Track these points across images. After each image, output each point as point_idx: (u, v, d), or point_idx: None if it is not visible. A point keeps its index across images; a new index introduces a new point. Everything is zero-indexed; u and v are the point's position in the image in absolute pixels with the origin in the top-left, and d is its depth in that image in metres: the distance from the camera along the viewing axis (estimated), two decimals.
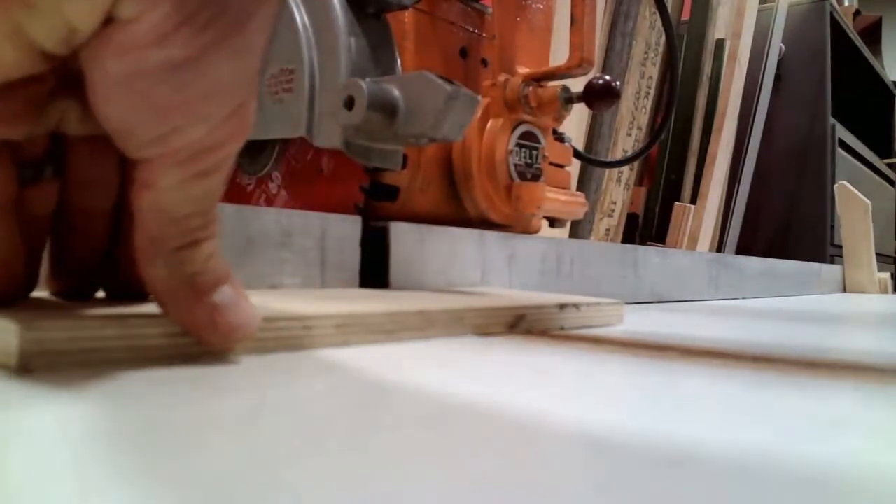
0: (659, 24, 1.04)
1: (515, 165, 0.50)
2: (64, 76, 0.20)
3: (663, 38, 1.05)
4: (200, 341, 0.21)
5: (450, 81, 0.36)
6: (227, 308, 0.21)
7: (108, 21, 0.18)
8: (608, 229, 1.04)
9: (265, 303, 0.27)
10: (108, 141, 0.22)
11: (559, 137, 0.56)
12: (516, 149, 0.50)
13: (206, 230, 0.21)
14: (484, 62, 0.54)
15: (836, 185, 1.13)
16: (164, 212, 0.20)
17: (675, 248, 1.11)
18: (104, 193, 0.23)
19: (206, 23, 0.18)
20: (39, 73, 0.19)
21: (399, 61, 0.44)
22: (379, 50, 0.43)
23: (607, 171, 1.00)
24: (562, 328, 0.38)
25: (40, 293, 0.24)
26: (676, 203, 1.14)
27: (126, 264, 0.23)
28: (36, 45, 0.18)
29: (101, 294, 0.25)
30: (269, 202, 0.51)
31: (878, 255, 1.14)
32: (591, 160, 0.83)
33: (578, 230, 0.91)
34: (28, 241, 0.22)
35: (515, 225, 0.54)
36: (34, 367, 0.19)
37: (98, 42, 0.18)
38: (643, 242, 1.13)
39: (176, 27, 0.18)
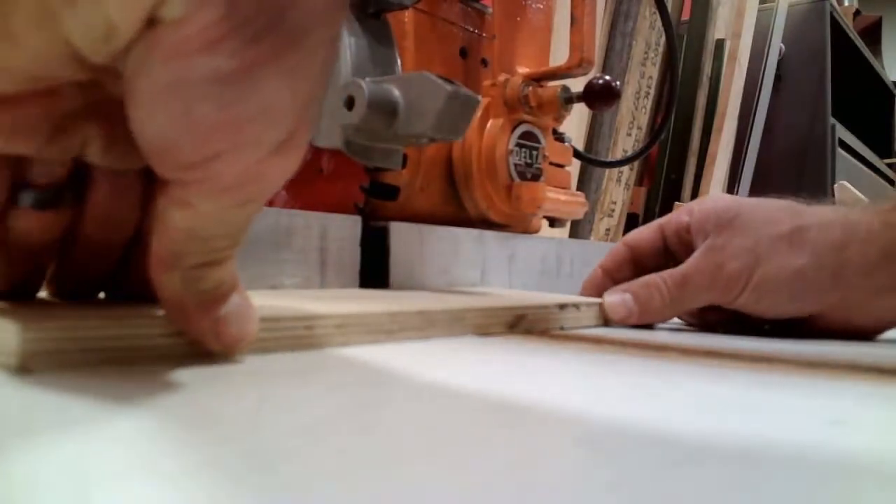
0: (659, 24, 1.04)
1: (515, 165, 0.50)
2: (92, 101, 0.19)
3: (663, 38, 1.05)
4: (202, 347, 0.21)
5: (450, 81, 0.36)
6: (233, 319, 0.21)
7: (154, 23, 0.17)
8: (608, 229, 1.04)
9: (266, 303, 0.27)
10: (133, 178, 0.21)
11: (559, 137, 0.56)
12: (516, 149, 0.50)
13: (229, 250, 0.20)
14: (484, 62, 0.54)
15: (835, 185, 1.13)
16: (192, 231, 0.19)
17: None
18: (122, 229, 0.22)
19: (257, 34, 0.17)
20: (65, 85, 0.18)
21: (399, 61, 0.44)
22: (379, 50, 0.43)
23: (607, 171, 1.00)
24: (562, 328, 0.38)
25: (40, 293, 0.24)
26: (676, 203, 1.14)
27: (138, 274, 0.22)
28: (69, 41, 0.17)
29: (101, 294, 0.25)
30: (269, 202, 0.51)
31: None
32: (591, 160, 0.83)
33: (578, 230, 0.91)
34: (36, 259, 0.22)
35: (515, 225, 0.54)
36: (34, 367, 0.19)
37: (144, 47, 0.17)
38: None
39: (224, 35, 0.16)
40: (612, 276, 0.43)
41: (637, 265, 0.43)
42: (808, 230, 0.39)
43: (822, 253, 0.38)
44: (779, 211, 0.40)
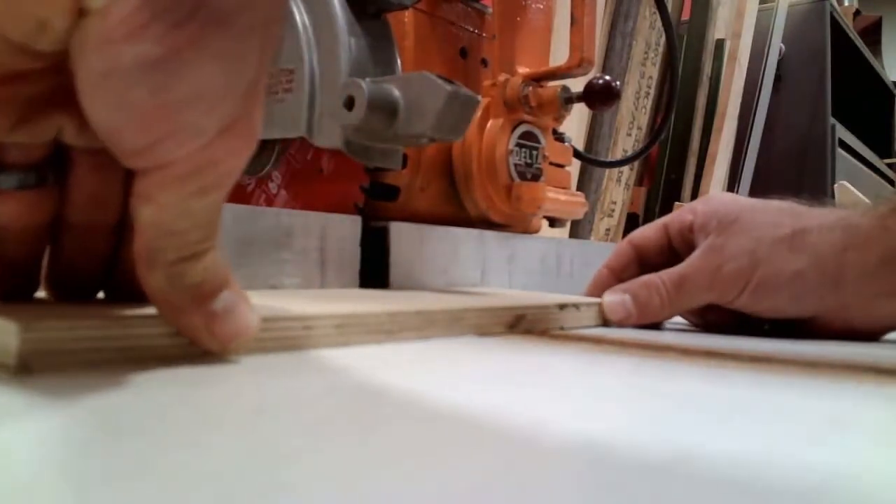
0: (659, 24, 1.04)
1: (515, 165, 0.50)
2: (58, 84, 0.19)
3: (663, 38, 1.05)
4: (197, 346, 0.21)
5: (450, 81, 0.36)
6: (225, 315, 0.21)
7: (84, 14, 0.17)
8: (608, 229, 1.04)
9: (265, 303, 0.27)
10: (112, 156, 0.22)
11: (559, 137, 0.56)
12: (516, 149, 0.50)
13: (205, 243, 0.20)
14: (484, 62, 0.54)
15: (836, 185, 1.13)
16: (162, 225, 0.20)
17: None
18: (108, 209, 0.23)
19: (179, 21, 0.17)
20: (24, 72, 0.19)
21: (399, 61, 0.44)
22: (379, 50, 0.43)
23: (607, 171, 1.00)
24: (562, 328, 0.38)
25: (40, 293, 0.24)
26: (676, 203, 1.14)
27: (128, 270, 0.23)
28: (4, 36, 0.17)
29: (100, 294, 0.25)
30: (269, 202, 0.51)
31: None
32: (591, 160, 0.83)
33: (578, 230, 0.91)
34: (28, 248, 0.22)
35: (515, 225, 0.54)
36: (34, 367, 0.19)
37: (80, 36, 0.18)
38: None
39: (147, 22, 0.17)
40: (619, 276, 0.43)
41: (642, 264, 0.43)
42: (809, 233, 0.39)
43: (823, 256, 0.38)
44: (780, 213, 0.40)
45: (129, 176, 0.22)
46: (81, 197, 0.22)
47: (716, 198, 0.43)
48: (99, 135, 0.19)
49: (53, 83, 0.20)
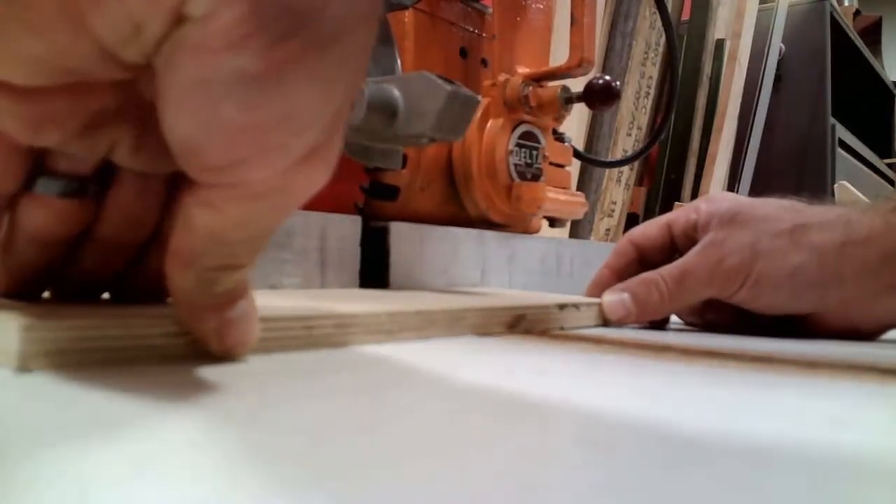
0: (659, 24, 1.04)
1: (515, 165, 0.50)
2: (127, 102, 0.19)
3: (663, 38, 1.05)
4: (204, 347, 0.21)
5: (450, 81, 0.36)
6: (238, 323, 0.21)
7: (181, 21, 0.16)
8: (608, 229, 1.04)
9: (266, 303, 0.27)
10: (158, 182, 0.21)
11: (559, 137, 0.56)
12: (516, 149, 0.50)
13: (247, 257, 0.20)
14: (484, 62, 0.54)
15: (836, 185, 1.13)
16: (215, 234, 0.19)
17: None
18: (140, 230, 0.22)
19: (284, 34, 0.16)
20: (100, 84, 0.18)
21: (399, 61, 0.44)
22: (379, 50, 0.43)
23: (607, 171, 1.00)
24: (562, 328, 0.38)
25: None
26: (676, 203, 1.14)
27: (154, 269, 0.22)
28: (98, 38, 0.16)
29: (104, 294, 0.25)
30: None
31: None
32: (591, 160, 0.83)
33: (578, 230, 0.91)
34: (48, 257, 0.22)
35: (515, 225, 0.54)
36: (34, 367, 0.19)
37: (173, 44, 0.17)
38: None
39: (250, 33, 0.16)
40: (620, 276, 0.43)
41: (644, 263, 0.43)
42: (810, 229, 0.39)
43: (823, 252, 0.38)
44: (780, 209, 0.40)
45: (169, 198, 0.22)
46: (117, 216, 0.22)
47: (718, 196, 0.43)
48: (173, 149, 0.18)
49: (121, 101, 0.19)
